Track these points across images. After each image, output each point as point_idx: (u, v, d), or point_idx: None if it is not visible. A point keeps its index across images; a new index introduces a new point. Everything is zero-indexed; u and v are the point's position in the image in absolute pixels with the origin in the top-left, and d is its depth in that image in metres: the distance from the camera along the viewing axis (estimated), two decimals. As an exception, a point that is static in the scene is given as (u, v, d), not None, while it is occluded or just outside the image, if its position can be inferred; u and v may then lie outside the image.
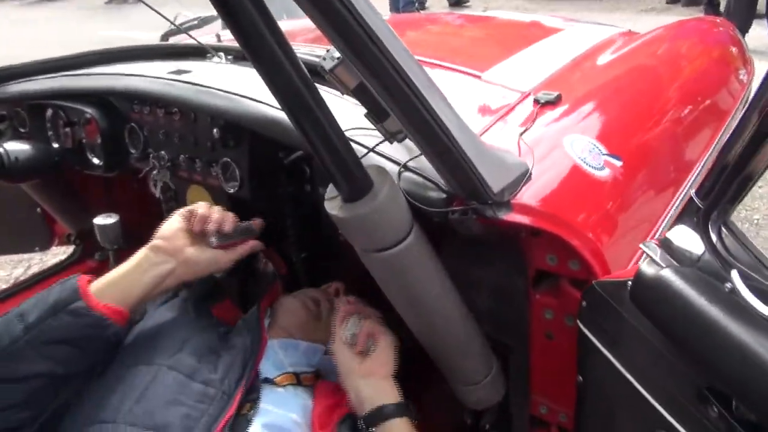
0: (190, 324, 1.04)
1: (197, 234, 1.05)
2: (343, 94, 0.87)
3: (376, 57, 0.68)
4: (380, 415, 0.95)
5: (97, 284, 0.94)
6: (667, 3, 6.87)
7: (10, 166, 1.49)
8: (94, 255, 2.00)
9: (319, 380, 1.09)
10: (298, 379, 1.05)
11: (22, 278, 2.67)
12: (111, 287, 0.94)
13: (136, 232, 1.53)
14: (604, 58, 1.53)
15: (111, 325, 0.91)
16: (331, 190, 0.90)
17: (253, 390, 0.97)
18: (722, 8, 5.34)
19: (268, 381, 1.01)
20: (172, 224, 1.05)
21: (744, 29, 4.33)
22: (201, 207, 1.07)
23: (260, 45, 0.68)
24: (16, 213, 2.01)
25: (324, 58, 0.85)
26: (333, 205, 0.88)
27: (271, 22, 0.68)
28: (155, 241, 1.02)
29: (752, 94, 0.71)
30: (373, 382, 0.99)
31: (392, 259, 0.89)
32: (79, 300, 0.89)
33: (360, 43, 0.66)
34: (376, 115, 0.85)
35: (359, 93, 0.81)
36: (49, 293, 0.91)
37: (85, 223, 1.91)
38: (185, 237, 1.04)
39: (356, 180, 0.83)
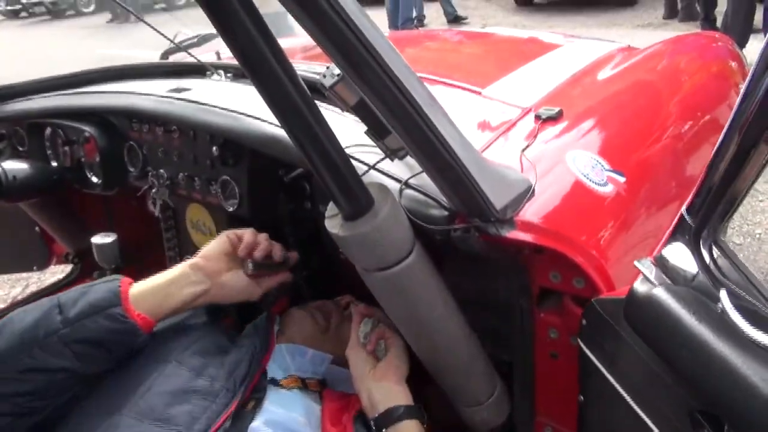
0: (202, 326, 1.04)
1: (238, 259, 1.06)
2: (343, 111, 0.86)
3: (377, 73, 0.67)
4: (391, 417, 0.96)
5: (136, 290, 0.95)
6: (664, 18, 6.92)
7: (8, 185, 1.48)
8: (93, 274, 1.98)
9: (326, 388, 1.09)
10: (304, 384, 1.05)
11: (19, 297, 2.65)
12: (148, 297, 0.95)
13: (134, 251, 1.53)
14: (604, 74, 1.53)
15: (141, 335, 0.93)
16: (331, 208, 0.89)
17: (259, 389, 0.97)
18: (719, 23, 5.37)
19: (275, 382, 1.01)
20: (217, 246, 1.05)
21: (741, 44, 4.36)
22: (248, 233, 1.08)
23: (259, 62, 0.68)
24: (15, 232, 2.00)
25: (323, 75, 0.84)
26: (333, 223, 0.87)
27: (270, 39, 0.67)
28: (197, 260, 1.03)
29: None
30: (385, 385, 1.00)
31: (394, 278, 0.88)
32: (119, 306, 0.91)
33: (360, 59, 0.65)
34: (376, 132, 0.84)
35: (359, 110, 0.80)
36: (90, 290, 0.92)
37: (83, 242, 1.91)
38: (225, 261, 1.05)
39: (357, 198, 0.82)
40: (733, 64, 1.85)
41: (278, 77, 0.69)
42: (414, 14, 7.41)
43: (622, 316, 0.77)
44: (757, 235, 2.72)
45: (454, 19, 7.88)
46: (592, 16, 7.54)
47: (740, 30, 4.49)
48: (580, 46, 1.94)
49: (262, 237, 1.09)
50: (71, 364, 0.87)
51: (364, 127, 0.92)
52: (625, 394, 0.82)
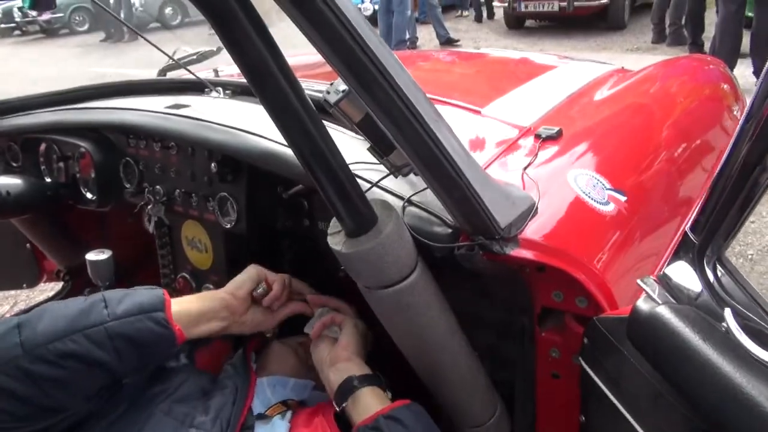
0: (183, 367, 1.03)
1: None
2: (347, 128, 0.86)
3: (385, 89, 0.67)
4: (347, 388, 0.96)
5: (172, 304, 0.95)
6: (653, 43, 7.05)
7: (1, 201, 1.46)
8: (84, 291, 1.95)
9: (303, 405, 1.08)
10: (286, 405, 1.04)
11: (7, 316, 2.60)
12: (183, 315, 0.96)
13: (127, 268, 1.50)
14: (600, 95, 1.55)
15: (176, 346, 0.94)
16: (333, 225, 0.88)
17: (246, 426, 0.95)
18: (707, 48, 5.47)
19: (261, 417, 0.99)
20: (246, 284, 1.07)
21: (729, 68, 4.43)
22: (278, 283, 1.09)
23: (266, 76, 0.68)
24: (5, 248, 1.97)
25: (327, 92, 0.84)
26: (336, 240, 0.86)
27: (278, 54, 0.67)
28: (227, 296, 1.04)
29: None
30: (339, 366, 1.01)
31: (397, 296, 0.87)
32: (163, 311, 0.91)
33: (369, 75, 0.65)
34: (381, 148, 0.84)
35: (364, 126, 0.80)
36: (135, 293, 0.93)
37: (75, 259, 1.88)
38: (249, 299, 1.07)
39: (360, 214, 0.81)
40: (726, 86, 1.88)
41: (284, 92, 0.69)
42: (407, 36, 7.50)
43: (624, 334, 0.77)
44: (749, 256, 2.74)
45: (447, 41, 7.98)
46: (582, 40, 7.67)
47: (727, 55, 4.57)
48: (575, 67, 1.97)
49: (287, 285, 1.11)
50: (110, 359, 0.86)
51: (366, 145, 0.92)
52: (626, 414, 0.82)
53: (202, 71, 1.68)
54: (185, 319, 0.96)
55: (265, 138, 1.15)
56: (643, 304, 0.72)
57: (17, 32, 13.26)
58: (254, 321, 1.08)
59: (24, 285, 2.09)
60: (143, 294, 0.93)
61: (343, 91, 0.79)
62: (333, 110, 0.81)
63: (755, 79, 4.67)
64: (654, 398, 0.74)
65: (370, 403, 0.94)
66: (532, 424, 1.04)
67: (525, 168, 1.02)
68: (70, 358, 0.84)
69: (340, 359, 1.02)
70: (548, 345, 0.97)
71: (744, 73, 4.69)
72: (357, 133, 1.07)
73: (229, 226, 1.28)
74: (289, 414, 1.03)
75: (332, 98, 0.81)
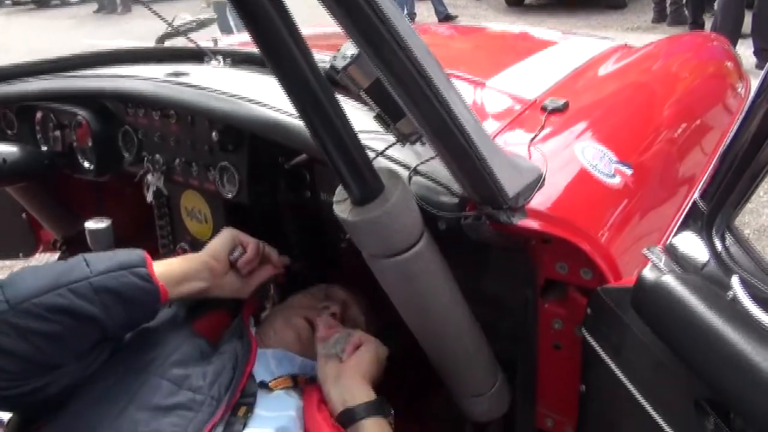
0: (181, 332, 1.02)
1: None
2: (353, 96, 0.85)
3: (396, 53, 0.65)
4: (350, 416, 0.94)
5: (154, 265, 0.96)
6: (653, 22, 6.98)
7: (-3, 168, 1.44)
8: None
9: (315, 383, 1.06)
10: (294, 381, 1.04)
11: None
12: (165, 274, 0.97)
13: (125, 239, 1.49)
14: (605, 69, 1.53)
15: (159, 302, 0.95)
16: (339, 193, 0.87)
17: (248, 394, 0.95)
18: (707, 28, 5.43)
19: (264, 385, 0.99)
20: (223, 247, 1.08)
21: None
22: (251, 246, 1.10)
23: (279, 45, 0.66)
24: (1, 218, 1.95)
25: (335, 58, 0.83)
26: (342, 208, 0.85)
27: (291, 22, 0.66)
28: (207, 258, 1.06)
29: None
30: (341, 383, 0.99)
31: (402, 265, 0.87)
32: (145, 267, 0.93)
33: (381, 38, 0.64)
34: (389, 115, 0.82)
35: (373, 92, 0.79)
36: (114, 255, 0.94)
37: (72, 229, 1.86)
38: (227, 263, 1.08)
39: (367, 182, 0.80)
40: (729, 63, 1.86)
41: (296, 58, 0.68)
42: (404, 12, 7.40)
43: (627, 305, 0.77)
44: (746, 235, 2.75)
45: (445, 18, 7.88)
46: (583, 18, 7.59)
47: (728, 35, 4.53)
48: (578, 42, 1.95)
49: (261, 250, 1.11)
50: (98, 313, 0.87)
51: (371, 114, 0.90)
52: (627, 383, 0.82)
53: (200, 42, 1.64)
54: (168, 277, 0.97)
55: (268, 107, 1.13)
56: (648, 273, 0.72)
57: (8, 2, 13.01)
58: (232, 285, 1.08)
59: (20, 255, 2.07)
60: (124, 253, 0.95)
61: (351, 56, 0.78)
62: (340, 76, 0.80)
63: (756, 60, 4.65)
64: (656, 367, 0.75)
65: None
66: (532, 394, 1.05)
67: (532, 139, 1.01)
68: (59, 312, 0.84)
69: (345, 376, 0.99)
70: (551, 316, 0.98)
71: (744, 53, 4.66)
72: (362, 102, 1.07)
73: (229, 196, 1.27)
74: (297, 391, 1.02)
75: (340, 63, 0.79)
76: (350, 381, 0.98)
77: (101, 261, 0.92)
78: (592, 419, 0.96)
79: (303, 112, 0.74)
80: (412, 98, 0.70)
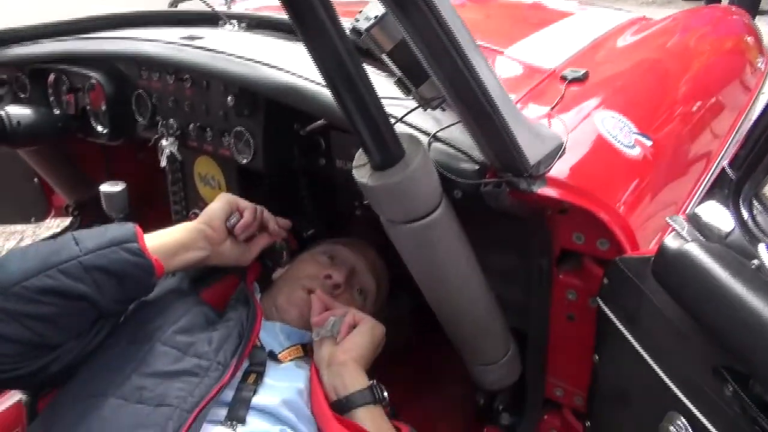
0: (186, 301, 1.02)
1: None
2: (375, 57, 0.84)
3: (424, 13, 0.64)
4: (343, 406, 0.93)
5: (147, 240, 0.94)
6: (668, -4, 6.84)
7: (12, 130, 1.44)
8: (92, 227, 1.95)
9: None
10: (304, 350, 1.04)
11: (14, 251, 2.61)
12: (158, 249, 0.95)
13: (137, 205, 1.49)
14: (624, 41, 1.51)
15: (154, 276, 0.93)
16: (359, 158, 0.87)
17: (258, 362, 0.96)
18: (724, 1, 5.32)
19: (273, 356, 1.00)
20: (220, 214, 1.05)
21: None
22: (248, 212, 1.07)
23: (304, 5, 0.65)
24: (13, 183, 1.95)
25: (356, 20, 0.81)
26: (362, 173, 0.85)
27: None
28: (203, 227, 1.03)
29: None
30: (334, 369, 0.96)
31: (420, 231, 0.87)
32: (136, 242, 0.91)
33: None
34: (411, 79, 0.81)
35: (396, 55, 0.78)
36: (105, 230, 0.92)
37: (84, 194, 1.87)
38: (224, 229, 1.05)
39: (388, 147, 0.80)
40: (749, 38, 1.83)
41: (320, 18, 0.67)
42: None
43: (647, 274, 0.77)
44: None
45: (456, -12, 7.74)
46: (597, -10, 7.44)
47: (747, 10, 4.44)
48: (596, 13, 1.91)
49: (259, 215, 1.09)
50: (90, 291, 0.86)
51: (389, 80, 0.89)
52: (643, 352, 0.82)
53: (215, 5, 1.62)
54: (162, 250, 0.95)
55: (285, 71, 1.12)
56: (671, 242, 0.71)
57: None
58: (231, 253, 1.06)
59: (32, 219, 2.08)
60: (114, 228, 0.93)
61: (375, 17, 0.76)
62: (363, 38, 0.78)
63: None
64: (674, 336, 0.75)
65: (369, 425, 0.91)
66: (544, 364, 1.06)
67: (552, 108, 1.00)
68: (50, 294, 0.84)
69: (336, 361, 0.97)
70: (565, 287, 0.98)
71: (763, 28, 4.57)
72: (379, 68, 1.06)
73: (244, 161, 1.27)
74: (307, 360, 1.02)
75: (363, 25, 0.78)
76: (342, 368, 0.96)
77: (91, 238, 0.90)
78: (605, 388, 0.96)
79: (327, 74, 0.73)
80: (438, 60, 0.69)
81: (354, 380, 0.94)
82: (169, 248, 0.97)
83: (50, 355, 0.87)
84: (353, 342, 0.99)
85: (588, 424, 1.02)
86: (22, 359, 0.85)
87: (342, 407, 0.92)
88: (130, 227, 0.93)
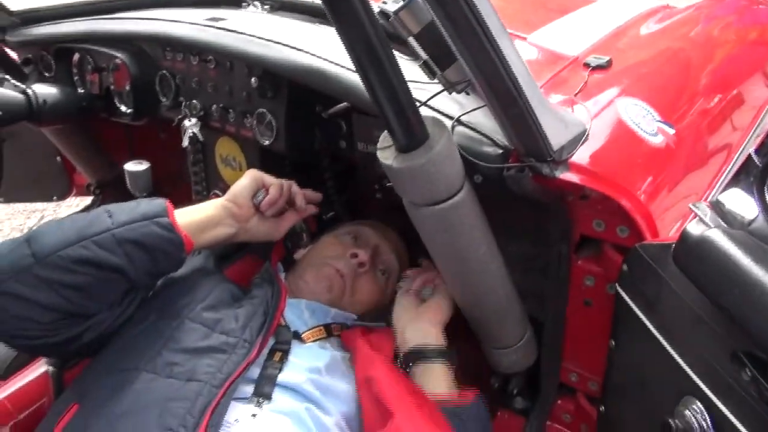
0: (212, 278, 1.05)
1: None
2: (401, 41, 0.84)
3: None
4: (420, 354, 0.99)
5: (177, 214, 0.97)
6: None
7: (38, 108, 1.46)
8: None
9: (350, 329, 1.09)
10: (328, 331, 1.05)
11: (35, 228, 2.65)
12: (188, 223, 0.97)
13: (158, 185, 1.52)
14: (647, 28, 1.49)
15: (184, 251, 0.95)
16: (383, 140, 0.88)
17: (283, 341, 0.98)
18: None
19: (297, 335, 1.01)
20: (246, 191, 1.07)
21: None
22: (274, 187, 1.08)
23: None
24: (35, 161, 1.99)
25: (384, 2, 0.82)
26: (386, 154, 0.86)
27: None
28: (228, 204, 1.05)
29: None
30: (419, 325, 1.02)
31: (442, 215, 0.88)
32: (167, 217, 0.93)
33: None
34: (437, 63, 0.82)
35: (424, 37, 0.78)
36: (137, 205, 0.95)
37: (106, 173, 1.90)
38: (251, 206, 1.07)
39: (413, 130, 0.81)
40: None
41: (354, 6, 0.67)
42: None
43: (667, 261, 0.77)
44: None
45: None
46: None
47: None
48: (618, 0, 1.89)
49: (286, 186, 1.10)
50: (122, 263, 0.88)
51: (411, 64, 0.90)
52: (661, 338, 0.83)
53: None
54: (191, 226, 0.98)
55: (309, 53, 1.13)
56: (693, 228, 0.72)
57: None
58: (260, 229, 1.08)
59: (54, 197, 2.12)
60: (146, 203, 0.96)
61: (403, 0, 0.77)
62: (391, 20, 0.79)
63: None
64: (692, 322, 0.76)
65: (438, 381, 0.96)
66: (559, 349, 1.07)
67: (575, 95, 1.00)
68: (84, 264, 0.86)
69: (423, 319, 1.03)
70: (583, 273, 0.98)
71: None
72: (403, 51, 1.06)
73: (266, 143, 1.28)
74: (331, 341, 1.04)
75: (391, 7, 0.78)
76: (427, 325, 1.03)
77: (123, 212, 0.92)
78: (620, 374, 0.97)
79: (356, 56, 0.74)
80: (467, 43, 0.70)
81: (436, 339, 1.01)
82: (197, 224, 0.99)
83: (83, 324, 0.90)
84: (439, 305, 1.06)
85: (602, 409, 1.03)
86: (56, 327, 0.87)
87: (419, 356, 0.99)
88: (161, 202, 0.95)
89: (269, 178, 1.09)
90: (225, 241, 1.05)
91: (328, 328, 1.06)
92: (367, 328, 1.08)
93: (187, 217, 0.99)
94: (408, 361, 0.99)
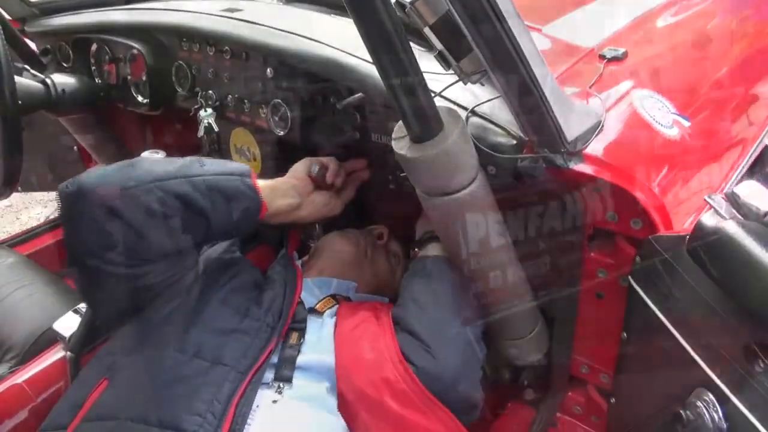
0: (239, 262, 1.07)
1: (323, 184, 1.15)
2: (419, 29, 0.84)
3: None
4: (425, 239, 1.13)
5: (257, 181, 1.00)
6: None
7: (57, 97, 1.48)
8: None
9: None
10: (335, 300, 1.09)
11: (51, 217, 2.69)
12: (263, 187, 1.01)
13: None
14: (664, 21, 1.48)
15: (260, 212, 0.99)
16: (398, 130, 0.88)
17: (299, 320, 1.00)
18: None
19: (312, 310, 1.04)
20: (303, 170, 1.14)
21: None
22: (333, 161, 1.17)
23: None
24: (52, 150, 2.01)
25: (401, -7, 0.82)
26: (401, 144, 0.86)
27: None
28: (290, 179, 1.11)
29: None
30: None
31: (456, 204, 0.88)
32: (250, 179, 0.97)
33: None
34: (453, 53, 0.82)
35: (439, 27, 0.78)
36: (225, 163, 0.99)
37: (122, 162, 1.92)
38: (309, 181, 1.13)
39: (429, 120, 0.81)
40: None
41: None
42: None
43: (681, 253, 0.77)
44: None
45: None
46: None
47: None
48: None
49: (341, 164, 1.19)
50: (208, 208, 0.91)
51: (425, 55, 0.90)
52: (673, 330, 0.83)
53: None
54: (265, 190, 1.00)
55: (324, 44, 1.13)
56: (708, 219, 0.72)
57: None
58: (322, 200, 1.14)
59: (71, 187, 2.13)
60: (233, 163, 1.00)
61: (420, -10, 0.77)
62: (408, 10, 0.79)
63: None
64: (706, 314, 0.75)
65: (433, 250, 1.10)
66: (570, 341, 1.07)
67: (590, 86, 1.00)
68: (177, 199, 0.88)
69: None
70: (596, 265, 0.98)
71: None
72: (417, 41, 1.07)
73: (281, 133, 1.29)
74: (335, 309, 1.07)
75: (408, -2, 0.78)
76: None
77: (214, 164, 0.96)
78: (632, 366, 0.97)
79: (373, 47, 0.74)
80: (483, 34, 0.70)
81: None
82: (272, 190, 1.04)
83: (147, 265, 0.89)
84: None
85: (613, 400, 1.04)
86: (125, 257, 0.87)
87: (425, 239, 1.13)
88: (246, 166, 0.99)
89: (322, 158, 1.17)
90: (291, 210, 1.08)
91: (334, 297, 1.10)
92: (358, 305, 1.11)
93: (262, 182, 1.02)
94: (422, 243, 1.15)
